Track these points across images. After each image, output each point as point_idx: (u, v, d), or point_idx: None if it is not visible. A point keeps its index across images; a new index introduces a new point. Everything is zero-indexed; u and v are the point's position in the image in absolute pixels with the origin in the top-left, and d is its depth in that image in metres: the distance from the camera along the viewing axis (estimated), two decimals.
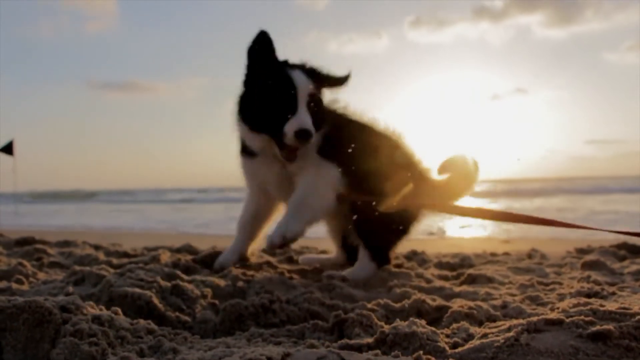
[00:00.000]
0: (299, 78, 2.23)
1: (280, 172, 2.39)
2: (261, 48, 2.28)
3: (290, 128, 2.15)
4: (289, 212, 2.29)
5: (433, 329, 1.38)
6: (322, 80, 2.35)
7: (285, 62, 2.32)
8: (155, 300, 1.80)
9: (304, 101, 2.21)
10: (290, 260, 3.16)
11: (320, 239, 3.93)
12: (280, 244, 2.21)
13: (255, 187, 2.59)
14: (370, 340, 1.35)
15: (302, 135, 2.14)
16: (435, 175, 2.65)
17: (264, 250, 3.53)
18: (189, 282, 2.09)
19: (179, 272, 2.22)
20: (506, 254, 3.59)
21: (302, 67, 2.31)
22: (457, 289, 2.19)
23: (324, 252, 3.42)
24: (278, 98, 2.21)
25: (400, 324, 1.37)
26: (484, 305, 1.80)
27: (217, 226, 9.05)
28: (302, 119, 2.16)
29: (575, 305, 1.57)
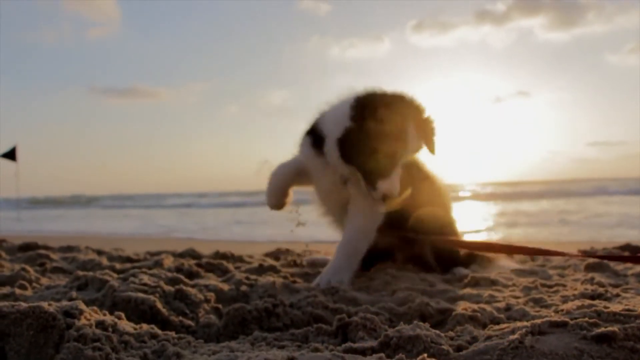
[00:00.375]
0: (411, 134, 2.28)
1: (339, 187, 2.50)
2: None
3: (381, 187, 2.27)
4: (339, 259, 2.45)
5: (437, 331, 1.38)
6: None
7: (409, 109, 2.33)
8: (159, 305, 1.80)
9: (400, 163, 2.31)
10: (294, 264, 3.16)
11: (321, 242, 3.93)
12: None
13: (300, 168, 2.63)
14: (374, 343, 1.35)
15: (387, 199, 2.28)
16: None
17: (267, 255, 3.53)
18: (192, 286, 2.09)
19: (182, 277, 2.22)
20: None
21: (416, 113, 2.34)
22: (460, 292, 2.19)
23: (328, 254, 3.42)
24: (382, 152, 2.27)
25: (404, 327, 1.37)
26: (488, 307, 1.80)
27: (218, 231, 9.07)
28: (394, 184, 2.27)
29: (579, 307, 1.57)
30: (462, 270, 2.72)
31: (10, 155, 12.08)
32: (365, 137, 2.26)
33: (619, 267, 2.75)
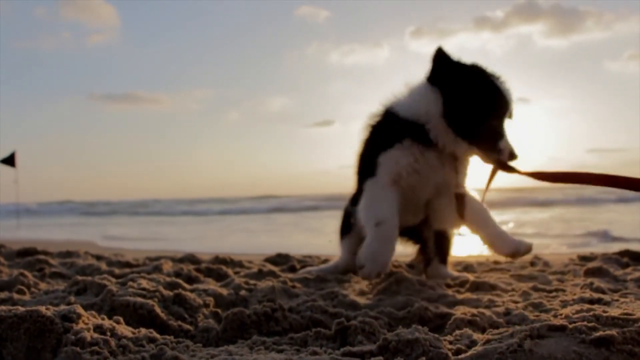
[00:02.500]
0: (509, 95, 2.37)
1: (445, 175, 2.49)
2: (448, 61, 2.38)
3: (506, 147, 2.36)
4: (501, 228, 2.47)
5: (436, 335, 1.37)
6: None
7: (492, 74, 2.39)
8: (158, 310, 1.80)
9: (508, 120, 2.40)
10: (293, 269, 3.16)
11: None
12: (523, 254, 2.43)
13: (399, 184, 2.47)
14: (373, 347, 1.34)
15: (514, 156, 2.38)
16: None
17: (266, 260, 3.53)
18: (191, 291, 2.09)
19: (181, 281, 2.22)
20: (509, 261, 3.58)
21: (499, 79, 2.39)
22: (460, 297, 2.19)
23: (324, 261, 3.41)
24: (497, 115, 2.36)
25: (402, 330, 1.36)
26: (487, 312, 1.80)
27: (218, 238, 9.06)
28: (512, 142, 2.38)
29: (578, 312, 1.57)
30: (463, 275, 2.73)
31: (10, 161, 12.08)
32: (476, 106, 2.32)
33: (618, 272, 2.75)
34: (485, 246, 2.47)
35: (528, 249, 2.39)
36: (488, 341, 1.35)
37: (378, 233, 2.31)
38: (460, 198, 2.53)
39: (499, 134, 2.38)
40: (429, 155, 2.42)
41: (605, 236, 6.79)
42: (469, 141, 2.38)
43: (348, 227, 2.88)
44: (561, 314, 1.64)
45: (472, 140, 2.38)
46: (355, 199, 2.67)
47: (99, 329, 1.44)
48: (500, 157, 2.38)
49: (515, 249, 2.37)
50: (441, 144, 2.40)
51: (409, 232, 2.91)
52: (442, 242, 2.84)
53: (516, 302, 2.07)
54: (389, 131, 2.49)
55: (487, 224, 2.47)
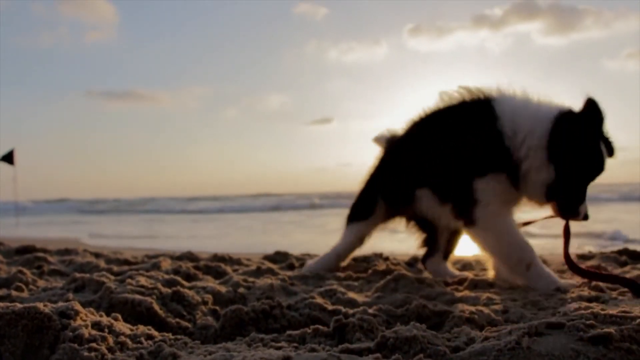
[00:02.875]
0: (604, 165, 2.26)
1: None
2: (594, 126, 2.20)
3: (583, 211, 2.29)
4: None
5: (434, 332, 1.38)
6: None
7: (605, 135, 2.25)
8: (156, 307, 1.80)
9: None
10: (291, 267, 3.16)
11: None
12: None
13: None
14: (371, 344, 1.34)
15: (587, 219, 2.33)
16: None
17: (265, 258, 3.53)
18: (190, 288, 2.09)
19: (179, 279, 2.22)
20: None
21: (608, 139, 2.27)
22: (458, 294, 2.19)
23: None
24: (592, 180, 2.27)
25: (401, 328, 1.37)
26: (486, 310, 1.80)
27: (216, 236, 9.05)
28: (587, 206, 2.32)
29: (576, 310, 1.57)
30: (462, 274, 2.72)
31: (8, 158, 12.06)
32: (579, 174, 2.23)
33: (616, 270, 2.75)
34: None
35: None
36: (486, 339, 1.35)
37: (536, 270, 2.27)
38: None
39: (584, 197, 2.30)
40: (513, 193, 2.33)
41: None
42: (555, 200, 2.29)
43: (368, 211, 2.83)
44: (559, 312, 1.64)
45: (558, 200, 2.29)
46: (383, 183, 2.71)
47: (96, 325, 1.44)
48: (577, 218, 2.31)
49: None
50: (523, 190, 2.31)
51: (421, 221, 2.84)
52: (453, 240, 2.80)
53: (514, 300, 2.07)
54: (488, 152, 2.29)
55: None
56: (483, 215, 2.29)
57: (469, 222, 2.35)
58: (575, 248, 4.27)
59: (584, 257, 3.47)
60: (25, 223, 13.73)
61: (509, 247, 2.29)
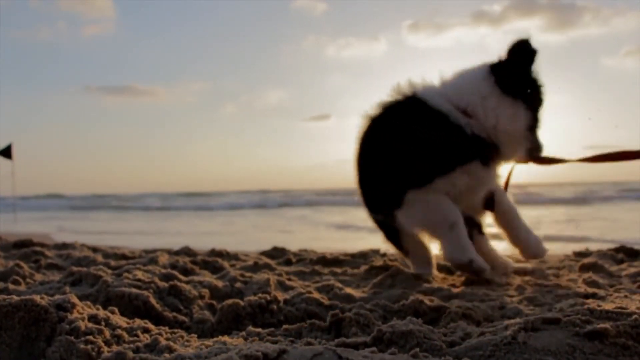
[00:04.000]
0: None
1: (493, 183, 2.40)
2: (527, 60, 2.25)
3: (543, 142, 2.35)
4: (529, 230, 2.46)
5: (430, 327, 1.38)
6: None
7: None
8: (153, 301, 1.80)
9: None
10: (289, 262, 3.16)
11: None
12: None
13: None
14: (367, 338, 1.34)
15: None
16: None
17: (262, 254, 3.53)
18: (187, 282, 2.09)
19: (176, 273, 2.22)
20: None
21: None
22: (455, 290, 2.19)
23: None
24: (538, 111, 2.30)
25: (397, 322, 1.37)
26: (482, 305, 1.80)
27: (213, 232, 9.05)
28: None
29: (572, 306, 1.57)
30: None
31: (6, 153, 12.01)
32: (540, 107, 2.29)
33: (613, 268, 2.76)
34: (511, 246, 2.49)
35: (545, 252, 2.47)
36: (482, 334, 1.35)
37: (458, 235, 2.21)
38: (490, 195, 2.43)
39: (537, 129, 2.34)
40: (488, 172, 2.27)
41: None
42: (538, 144, 2.34)
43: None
44: (556, 308, 1.65)
45: (522, 131, 2.27)
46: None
47: (93, 318, 1.44)
48: (535, 149, 2.36)
49: (536, 254, 2.45)
50: (510, 155, 2.32)
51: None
52: (472, 221, 2.53)
53: (511, 296, 2.08)
54: (451, 146, 2.16)
55: (514, 225, 2.44)
56: (418, 192, 2.20)
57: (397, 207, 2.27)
58: (573, 246, 4.28)
59: (580, 254, 3.47)
60: (7, 219, 13.57)
61: (436, 206, 2.21)
